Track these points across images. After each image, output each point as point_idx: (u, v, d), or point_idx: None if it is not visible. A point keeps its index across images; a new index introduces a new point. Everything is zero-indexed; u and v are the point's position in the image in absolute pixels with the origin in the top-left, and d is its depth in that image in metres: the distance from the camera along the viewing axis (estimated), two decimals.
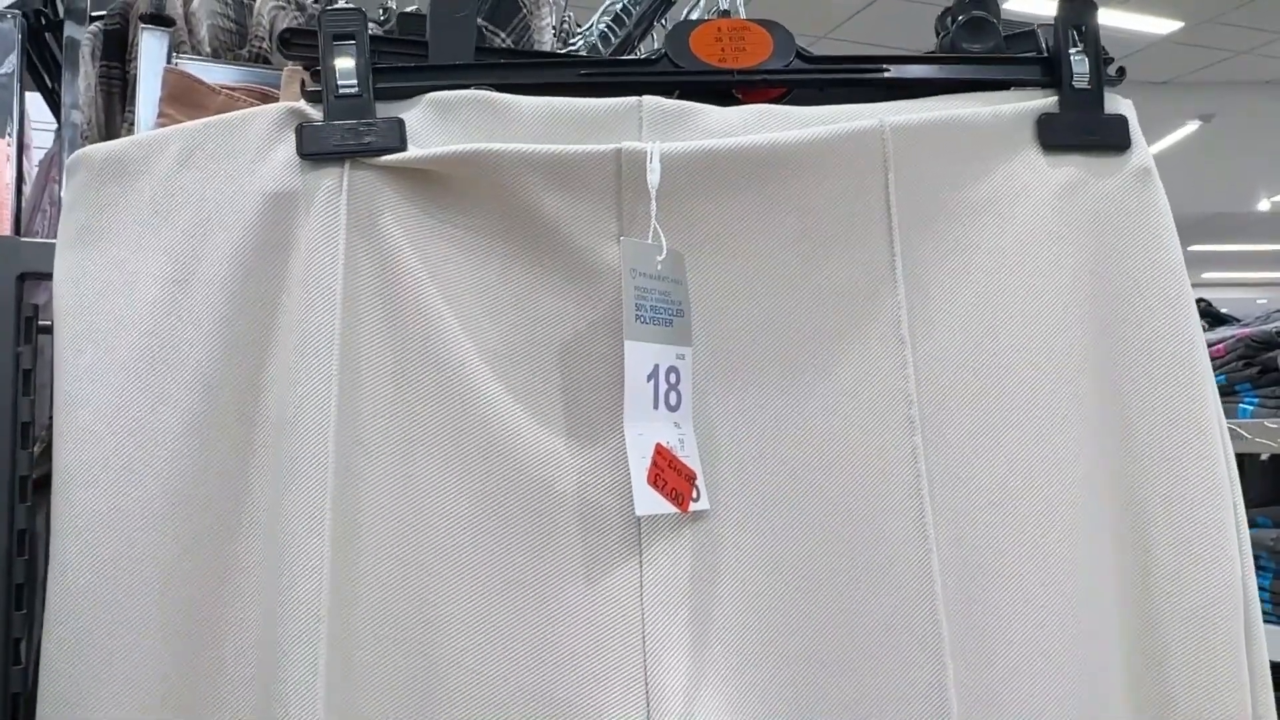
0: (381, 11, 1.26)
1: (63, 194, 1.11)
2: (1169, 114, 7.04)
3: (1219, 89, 6.94)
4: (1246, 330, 2.21)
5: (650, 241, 0.67)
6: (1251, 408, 2.12)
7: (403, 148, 0.68)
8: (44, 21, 1.25)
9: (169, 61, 1.01)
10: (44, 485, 0.97)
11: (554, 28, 1.16)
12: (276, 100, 0.86)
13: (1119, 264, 0.73)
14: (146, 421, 0.68)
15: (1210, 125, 7.34)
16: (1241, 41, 6.22)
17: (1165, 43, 6.17)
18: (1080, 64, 0.74)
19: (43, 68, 1.30)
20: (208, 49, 1.14)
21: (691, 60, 0.73)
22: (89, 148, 0.72)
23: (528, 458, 0.68)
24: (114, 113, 1.21)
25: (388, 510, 0.67)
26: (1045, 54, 0.76)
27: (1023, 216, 0.72)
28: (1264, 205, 8.81)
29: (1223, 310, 2.64)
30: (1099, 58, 0.74)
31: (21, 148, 1.06)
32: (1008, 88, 0.76)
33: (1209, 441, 0.71)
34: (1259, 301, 8.11)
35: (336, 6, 0.72)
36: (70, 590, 0.68)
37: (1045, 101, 0.74)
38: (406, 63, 0.71)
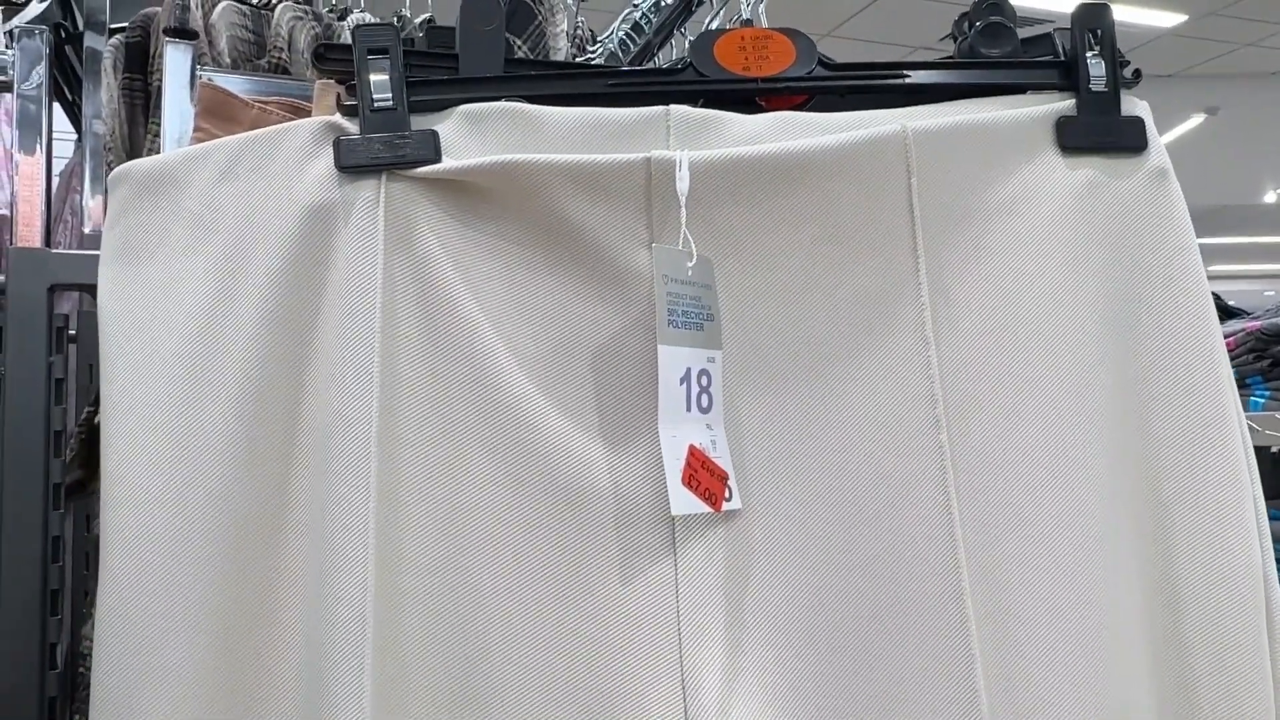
0: (396, 20, 1.27)
1: (86, 203, 1.13)
2: (1174, 107, 7.03)
3: (1224, 82, 6.93)
4: (1257, 323, 2.21)
5: (680, 248, 0.69)
6: (1262, 400, 2.12)
7: (437, 159, 0.70)
8: (64, 35, 1.27)
9: (194, 74, 1.03)
10: (72, 491, 0.98)
11: (568, 33, 1.18)
12: (305, 112, 0.88)
13: (1138, 262, 0.74)
14: (193, 428, 0.70)
15: (1216, 118, 7.32)
16: (1246, 34, 6.22)
17: (1170, 36, 6.17)
18: (1097, 67, 0.75)
19: (62, 80, 1.32)
20: (227, 60, 1.16)
21: (716, 69, 0.74)
22: (132, 163, 0.74)
23: (565, 459, 0.69)
24: (136, 124, 1.23)
25: (430, 511, 0.68)
26: (1062, 57, 0.77)
27: (1043, 218, 0.74)
28: (1270, 197, 8.79)
29: (1230, 303, 2.63)
30: (1115, 60, 0.75)
31: (50, 162, 1.08)
32: (1025, 91, 0.77)
33: (1229, 435, 0.73)
34: (1267, 294, 8.09)
35: (368, 22, 0.74)
36: (118, 598, 0.69)
37: (1063, 104, 0.75)
38: (438, 75, 0.72)
